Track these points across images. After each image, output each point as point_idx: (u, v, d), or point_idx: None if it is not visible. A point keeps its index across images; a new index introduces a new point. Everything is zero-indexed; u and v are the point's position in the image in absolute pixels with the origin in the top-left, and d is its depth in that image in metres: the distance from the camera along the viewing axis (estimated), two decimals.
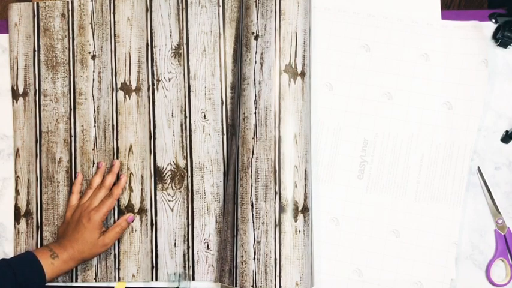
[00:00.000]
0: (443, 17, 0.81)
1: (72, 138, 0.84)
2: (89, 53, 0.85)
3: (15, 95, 0.86)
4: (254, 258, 0.71)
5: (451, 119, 0.79)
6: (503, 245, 0.77)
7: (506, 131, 0.79)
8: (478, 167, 0.79)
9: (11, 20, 0.86)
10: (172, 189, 0.81)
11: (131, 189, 0.82)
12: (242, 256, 0.72)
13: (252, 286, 0.71)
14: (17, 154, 0.85)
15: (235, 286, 0.72)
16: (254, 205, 0.72)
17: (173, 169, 0.82)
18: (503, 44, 0.80)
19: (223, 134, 0.81)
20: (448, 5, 1.36)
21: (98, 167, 0.83)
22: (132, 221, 0.81)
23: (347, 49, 0.81)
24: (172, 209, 0.81)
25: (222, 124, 0.82)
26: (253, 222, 0.72)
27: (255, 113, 0.73)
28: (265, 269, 0.71)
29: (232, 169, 0.76)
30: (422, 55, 0.80)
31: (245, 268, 0.72)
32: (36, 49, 0.85)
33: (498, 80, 0.80)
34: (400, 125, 0.80)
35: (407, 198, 0.79)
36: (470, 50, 0.79)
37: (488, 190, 0.78)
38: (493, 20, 0.81)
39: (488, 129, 0.80)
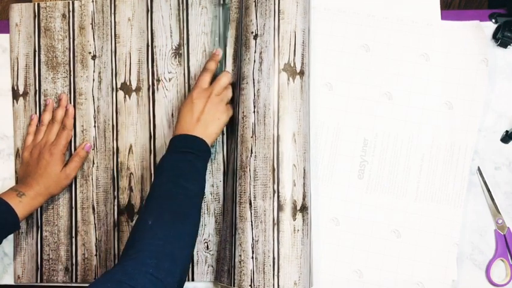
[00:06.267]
0: (443, 17, 0.81)
1: (72, 138, 0.84)
2: (90, 53, 0.85)
3: (15, 95, 0.86)
4: (252, 258, 0.71)
5: (451, 119, 0.79)
6: (503, 245, 0.77)
7: (506, 131, 0.79)
8: (478, 167, 0.79)
9: (12, 20, 0.87)
10: None
11: (131, 189, 0.82)
12: (240, 255, 0.72)
13: (250, 286, 0.71)
14: (17, 154, 0.85)
15: (234, 286, 0.72)
16: (252, 204, 0.72)
17: None
18: (503, 44, 0.80)
19: (222, 133, 0.81)
20: (448, 5, 1.36)
21: (45, 104, 0.84)
22: (89, 149, 0.83)
23: (347, 49, 0.81)
24: None
25: None
26: (251, 221, 0.72)
27: (254, 111, 0.73)
28: (264, 268, 0.70)
29: (231, 168, 0.76)
30: (422, 55, 0.80)
31: (243, 267, 0.71)
32: (36, 49, 0.86)
33: (498, 80, 0.80)
34: (400, 125, 0.79)
35: (408, 198, 0.78)
36: (470, 50, 0.79)
37: (488, 190, 0.78)
38: (493, 20, 0.80)
39: (488, 129, 0.80)
